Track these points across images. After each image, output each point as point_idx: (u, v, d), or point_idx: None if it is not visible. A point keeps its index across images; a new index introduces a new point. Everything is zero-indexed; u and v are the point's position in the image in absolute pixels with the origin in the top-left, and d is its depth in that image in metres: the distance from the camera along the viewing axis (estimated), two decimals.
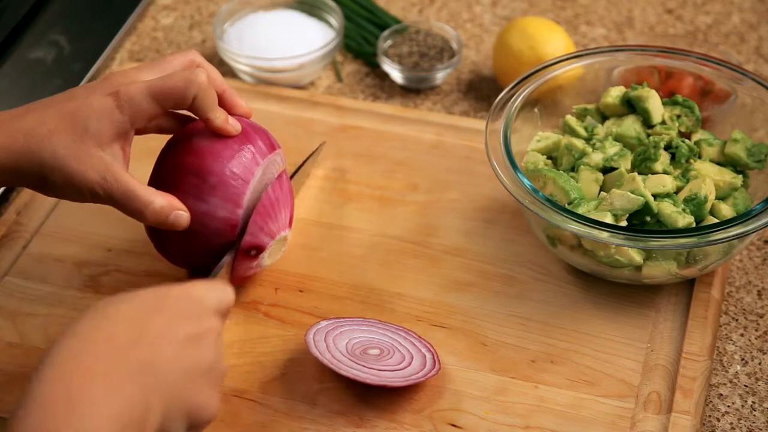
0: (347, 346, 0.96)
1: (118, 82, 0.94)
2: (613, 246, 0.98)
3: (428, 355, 0.97)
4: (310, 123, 1.21)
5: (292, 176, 1.07)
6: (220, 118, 0.97)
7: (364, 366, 0.95)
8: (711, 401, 0.98)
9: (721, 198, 1.03)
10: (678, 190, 1.02)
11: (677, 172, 1.04)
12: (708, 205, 1.00)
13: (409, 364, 0.96)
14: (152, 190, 0.94)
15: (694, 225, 0.99)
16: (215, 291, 0.83)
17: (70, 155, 0.91)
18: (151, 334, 0.77)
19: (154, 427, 0.75)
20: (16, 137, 0.91)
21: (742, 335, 1.03)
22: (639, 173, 1.03)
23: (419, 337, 0.98)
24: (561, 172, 1.03)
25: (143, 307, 0.78)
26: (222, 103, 0.99)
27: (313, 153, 1.12)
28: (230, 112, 1.00)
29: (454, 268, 1.06)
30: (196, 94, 0.94)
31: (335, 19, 1.29)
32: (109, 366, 0.74)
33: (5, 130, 0.92)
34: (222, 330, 0.83)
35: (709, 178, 1.01)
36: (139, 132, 0.97)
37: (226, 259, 0.97)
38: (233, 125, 0.98)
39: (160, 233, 0.98)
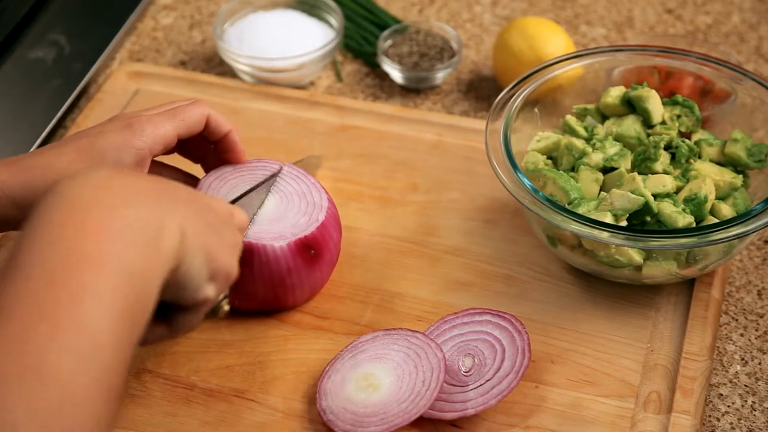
0: (453, 367, 0.95)
1: (129, 116, 0.97)
2: (613, 246, 0.98)
3: (510, 328, 0.96)
4: (310, 123, 1.21)
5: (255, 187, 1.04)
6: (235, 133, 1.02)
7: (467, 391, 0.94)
8: (711, 401, 0.98)
9: (721, 198, 1.03)
10: (678, 190, 1.02)
11: (677, 172, 1.04)
12: (708, 205, 1.00)
13: (504, 350, 0.95)
14: None
15: (694, 225, 0.99)
16: (236, 209, 0.88)
17: None
18: (171, 192, 0.78)
19: (171, 246, 0.75)
20: (34, 172, 0.92)
21: (742, 335, 1.03)
22: (639, 173, 1.03)
23: (487, 310, 0.98)
24: (561, 172, 1.03)
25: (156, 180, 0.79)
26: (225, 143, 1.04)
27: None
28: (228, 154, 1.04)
29: (454, 268, 1.06)
30: (209, 114, 0.99)
31: (335, 19, 1.29)
32: (126, 194, 0.74)
33: (22, 166, 0.92)
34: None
35: (709, 178, 1.01)
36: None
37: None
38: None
39: None
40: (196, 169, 1.06)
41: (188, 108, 0.99)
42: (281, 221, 0.99)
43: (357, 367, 0.95)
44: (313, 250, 0.99)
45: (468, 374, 0.94)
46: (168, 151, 0.99)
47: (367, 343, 0.97)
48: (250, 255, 0.97)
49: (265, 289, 0.99)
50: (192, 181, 1.05)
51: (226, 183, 1.02)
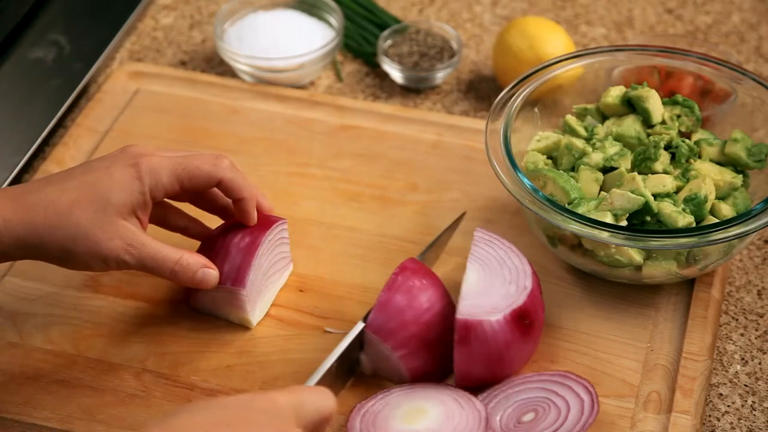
0: (501, 422, 0.92)
1: (138, 154, 0.94)
2: (613, 246, 0.98)
3: (586, 399, 0.92)
4: (310, 123, 1.21)
5: (426, 249, 1.03)
6: (251, 199, 0.98)
7: None
8: (711, 401, 0.98)
9: (721, 198, 1.03)
10: (678, 190, 1.02)
11: (677, 171, 1.04)
12: (708, 205, 1.00)
13: (566, 418, 0.91)
14: (177, 248, 0.94)
15: (694, 225, 0.99)
16: (310, 399, 0.76)
17: (94, 225, 0.91)
18: None
19: None
20: (36, 211, 0.90)
21: (742, 335, 1.03)
22: (639, 173, 1.03)
23: (577, 377, 0.94)
24: (561, 172, 1.03)
25: (215, 419, 0.72)
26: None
27: (450, 226, 1.07)
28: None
29: (455, 268, 1.06)
30: (221, 178, 0.95)
31: (335, 19, 1.29)
32: None
33: (25, 204, 0.91)
34: None
35: (709, 177, 1.01)
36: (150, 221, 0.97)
37: (328, 363, 0.92)
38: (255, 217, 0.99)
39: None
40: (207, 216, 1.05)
41: (202, 163, 0.95)
42: (490, 293, 0.94)
43: (406, 403, 0.93)
44: (527, 320, 0.93)
45: (519, 425, 0.92)
46: (176, 197, 0.97)
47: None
48: (466, 333, 0.92)
49: (482, 367, 0.93)
50: (198, 226, 1.03)
51: None
